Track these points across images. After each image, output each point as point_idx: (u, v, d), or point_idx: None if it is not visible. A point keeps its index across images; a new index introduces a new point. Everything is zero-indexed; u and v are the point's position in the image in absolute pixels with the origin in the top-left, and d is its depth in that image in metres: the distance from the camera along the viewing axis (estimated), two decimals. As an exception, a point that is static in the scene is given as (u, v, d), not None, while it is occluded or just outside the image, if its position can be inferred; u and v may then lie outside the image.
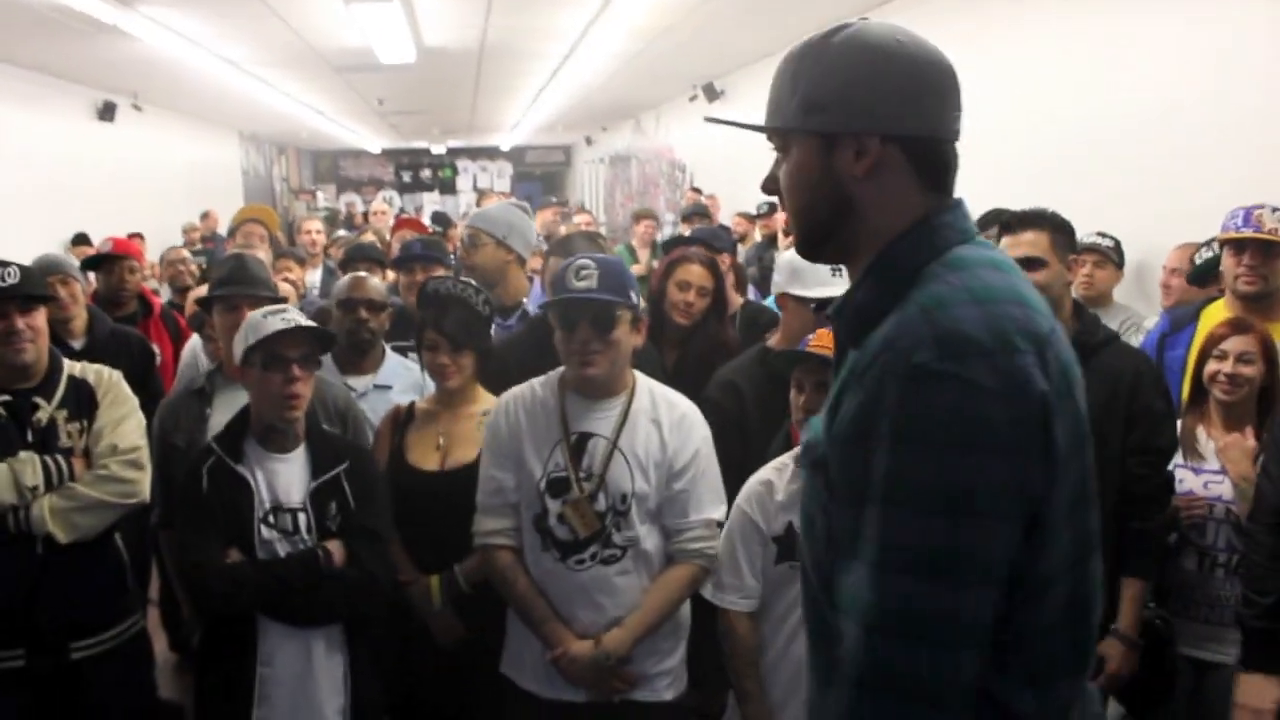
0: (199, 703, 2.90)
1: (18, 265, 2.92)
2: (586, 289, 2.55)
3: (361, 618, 2.82)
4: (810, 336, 2.65)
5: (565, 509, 2.60)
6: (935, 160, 1.36)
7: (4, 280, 2.84)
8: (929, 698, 1.21)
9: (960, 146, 1.37)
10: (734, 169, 10.19)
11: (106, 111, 11.00)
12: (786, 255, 3.32)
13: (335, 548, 2.75)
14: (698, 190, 11.16)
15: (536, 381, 2.75)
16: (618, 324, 2.60)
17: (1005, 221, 3.01)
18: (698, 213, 8.08)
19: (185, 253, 6.54)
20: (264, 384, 2.75)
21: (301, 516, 2.75)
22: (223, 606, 2.74)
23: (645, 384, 2.72)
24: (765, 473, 2.62)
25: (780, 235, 7.52)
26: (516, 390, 2.77)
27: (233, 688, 2.73)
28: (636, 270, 7.42)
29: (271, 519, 2.74)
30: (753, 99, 1.36)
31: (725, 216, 9.74)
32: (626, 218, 14.71)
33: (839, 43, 1.34)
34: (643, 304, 2.84)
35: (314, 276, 6.79)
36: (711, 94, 11.26)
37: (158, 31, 7.56)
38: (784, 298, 3.26)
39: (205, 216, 12.59)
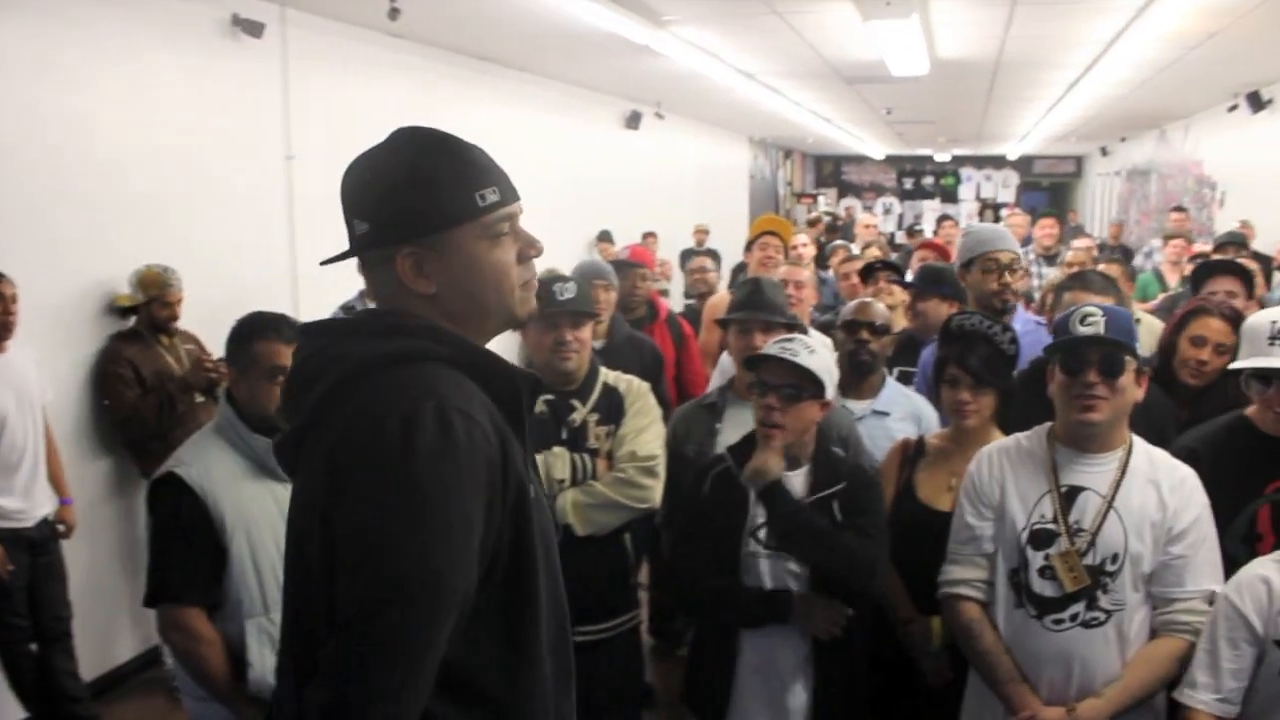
0: (688, 686, 3.07)
1: (575, 282, 3.17)
2: (1094, 333, 2.43)
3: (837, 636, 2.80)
4: None
5: (1054, 559, 2.46)
6: None
7: (561, 295, 3.10)
8: None
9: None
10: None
11: (632, 120, 11.85)
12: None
13: (805, 597, 2.77)
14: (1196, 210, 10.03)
15: (1022, 435, 2.65)
16: (1124, 370, 2.45)
17: None
18: (1233, 243, 7.09)
19: (707, 261, 6.78)
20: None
21: None
22: (705, 618, 2.96)
23: (1142, 445, 2.54)
24: (1265, 566, 2.34)
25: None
26: (1000, 441, 2.72)
27: (715, 677, 2.87)
28: (1163, 298, 6.84)
29: (760, 534, 2.80)
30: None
31: (1264, 244, 8.48)
32: (1140, 237, 13.69)
33: None
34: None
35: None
36: (1257, 104, 10.17)
37: (684, 48, 7.99)
38: None
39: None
